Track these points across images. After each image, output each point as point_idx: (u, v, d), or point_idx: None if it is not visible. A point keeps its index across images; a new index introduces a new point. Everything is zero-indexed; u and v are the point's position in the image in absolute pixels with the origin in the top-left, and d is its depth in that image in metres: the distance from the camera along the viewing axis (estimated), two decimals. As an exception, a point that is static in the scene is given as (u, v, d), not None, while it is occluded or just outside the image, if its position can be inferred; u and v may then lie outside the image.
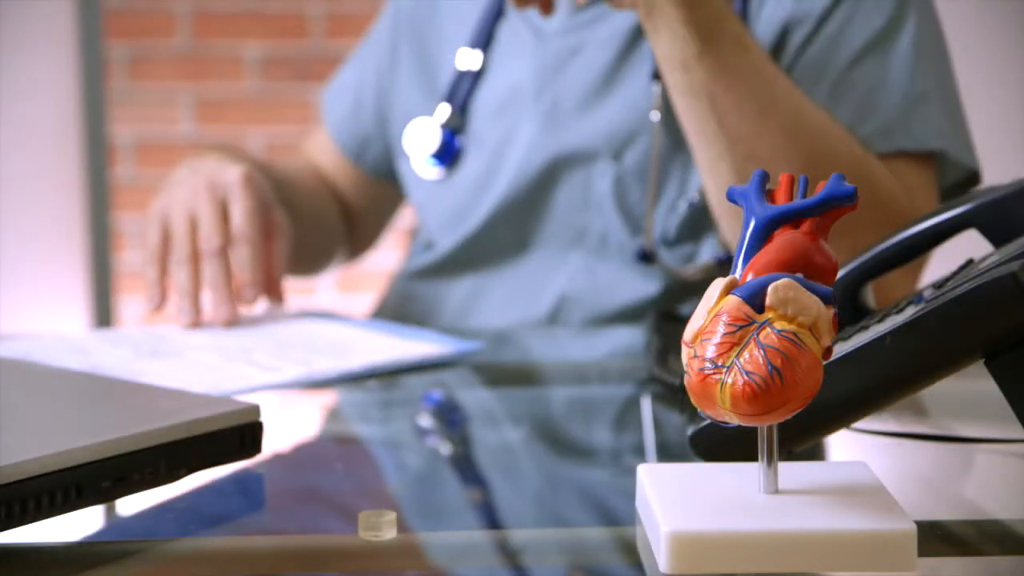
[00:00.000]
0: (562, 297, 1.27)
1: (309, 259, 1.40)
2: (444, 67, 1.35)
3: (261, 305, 1.16)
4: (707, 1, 1.04)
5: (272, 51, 3.07)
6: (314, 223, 1.37)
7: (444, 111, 1.32)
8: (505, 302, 1.31)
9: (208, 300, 1.12)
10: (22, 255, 2.78)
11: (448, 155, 1.32)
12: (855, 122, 1.17)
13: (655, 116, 1.21)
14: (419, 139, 1.32)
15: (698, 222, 1.23)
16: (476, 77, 1.32)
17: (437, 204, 1.34)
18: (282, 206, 1.22)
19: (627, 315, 1.26)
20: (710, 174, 1.10)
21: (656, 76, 1.21)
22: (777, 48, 1.21)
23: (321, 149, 1.46)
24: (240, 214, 1.12)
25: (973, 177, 1.22)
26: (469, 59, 1.33)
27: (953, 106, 1.20)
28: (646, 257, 1.22)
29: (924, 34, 1.20)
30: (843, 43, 1.19)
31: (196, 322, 1.12)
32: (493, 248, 1.31)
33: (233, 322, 1.12)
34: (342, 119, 1.44)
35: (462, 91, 1.32)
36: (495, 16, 1.33)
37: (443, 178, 1.33)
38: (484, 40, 1.32)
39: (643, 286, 1.25)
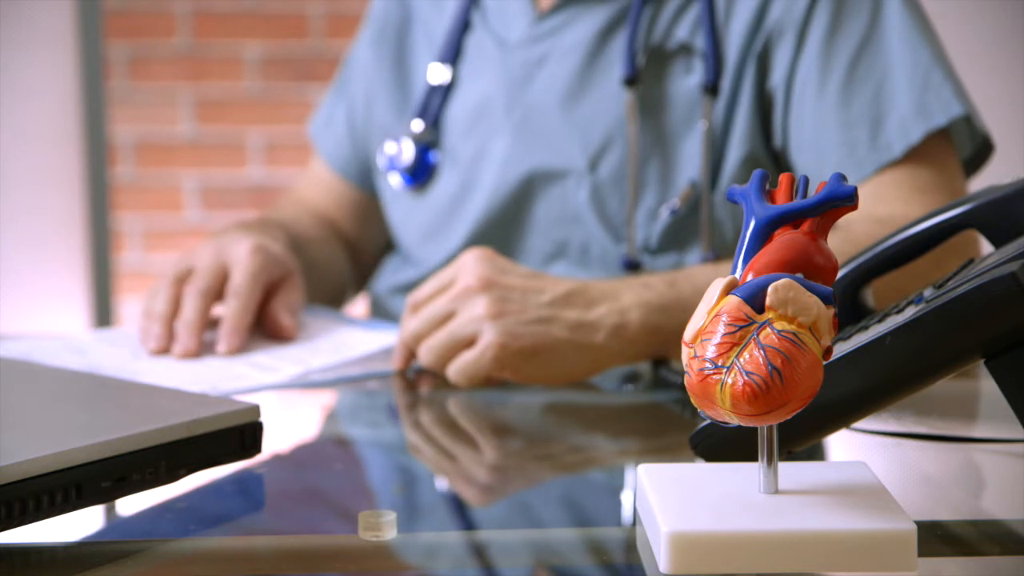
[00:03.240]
0: None
1: (326, 301, 1.39)
2: (417, 82, 1.35)
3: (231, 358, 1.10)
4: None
5: (272, 51, 3.07)
6: (327, 274, 1.35)
7: (417, 126, 1.31)
8: None
9: (180, 331, 1.09)
10: (22, 255, 2.78)
11: (423, 171, 1.31)
12: (873, 123, 1.17)
13: (628, 121, 1.21)
14: (394, 155, 1.32)
15: (682, 231, 1.22)
16: (447, 91, 1.32)
17: (414, 220, 1.34)
18: (299, 263, 1.20)
19: None
20: None
21: (628, 82, 1.21)
22: (763, 60, 1.21)
23: (318, 184, 1.44)
24: (239, 275, 1.11)
25: (986, 146, 1.23)
26: (439, 73, 1.32)
27: (954, 73, 1.21)
28: (631, 266, 1.22)
29: (909, 12, 1.20)
30: (838, 44, 1.19)
31: (159, 349, 1.09)
32: None
33: (190, 356, 1.07)
34: (338, 145, 1.42)
35: (434, 105, 1.32)
36: (462, 29, 1.32)
37: (419, 194, 1.32)
38: (452, 53, 1.31)
39: None
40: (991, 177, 1.23)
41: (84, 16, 2.76)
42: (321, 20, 3.05)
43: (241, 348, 1.09)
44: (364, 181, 1.42)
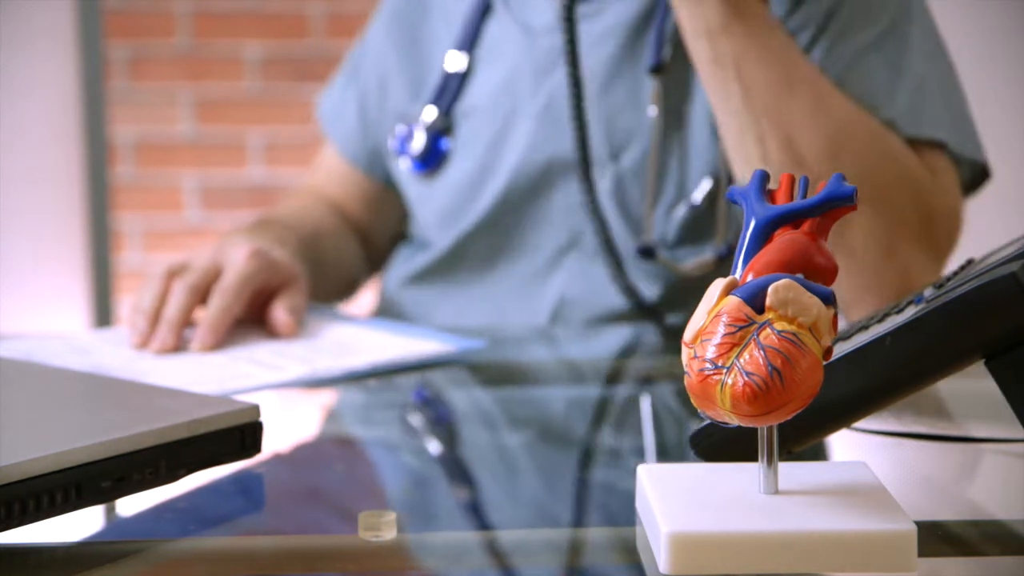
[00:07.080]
0: (561, 301, 1.27)
1: (338, 293, 1.39)
2: (433, 69, 1.34)
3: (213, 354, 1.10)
4: None
5: (272, 51, 3.07)
6: (339, 265, 1.36)
7: (431, 113, 1.31)
8: (502, 307, 1.30)
9: (159, 326, 1.09)
10: (22, 255, 2.78)
11: (434, 158, 1.31)
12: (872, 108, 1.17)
13: (652, 111, 1.21)
14: (405, 140, 1.32)
15: (698, 226, 1.22)
16: (463, 79, 1.31)
17: (430, 203, 1.33)
18: (307, 261, 1.20)
19: (625, 318, 1.25)
20: (736, 151, 1.09)
21: (654, 70, 1.21)
22: None
23: (328, 172, 1.44)
24: (229, 275, 1.11)
25: (983, 173, 1.21)
26: (456, 60, 1.32)
27: (957, 102, 1.20)
28: (646, 253, 1.21)
29: (924, 33, 1.19)
30: (846, 43, 1.18)
31: (141, 343, 1.08)
32: (487, 249, 1.30)
33: (167, 351, 1.07)
34: (349, 132, 1.41)
35: (449, 93, 1.31)
36: (481, 14, 1.31)
37: (431, 179, 1.32)
38: (470, 40, 1.31)
39: (641, 288, 1.24)
40: (993, 177, 1.23)
41: (84, 16, 2.76)
42: (321, 20, 3.05)
43: (216, 347, 1.08)
44: (375, 169, 1.41)
